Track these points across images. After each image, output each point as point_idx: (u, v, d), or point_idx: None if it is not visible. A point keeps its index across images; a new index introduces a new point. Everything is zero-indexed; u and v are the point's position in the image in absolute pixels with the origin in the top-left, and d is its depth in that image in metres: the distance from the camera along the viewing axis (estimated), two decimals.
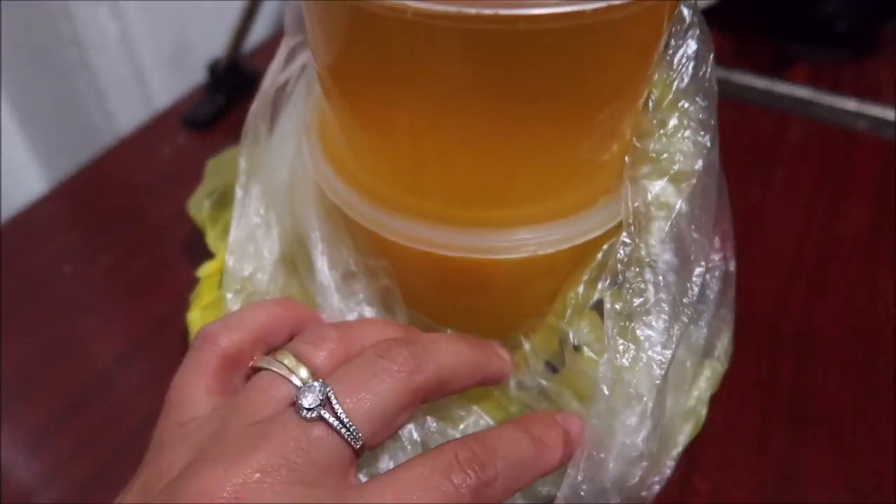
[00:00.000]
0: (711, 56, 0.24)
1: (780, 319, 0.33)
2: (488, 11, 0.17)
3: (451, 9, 0.17)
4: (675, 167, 0.24)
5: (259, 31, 0.48)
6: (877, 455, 0.28)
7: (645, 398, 0.24)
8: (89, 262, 0.35)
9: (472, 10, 0.17)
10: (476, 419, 0.26)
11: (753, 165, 0.42)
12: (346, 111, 0.24)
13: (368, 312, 0.27)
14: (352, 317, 0.26)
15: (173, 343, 0.31)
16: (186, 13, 0.51)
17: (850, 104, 0.47)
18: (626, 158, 0.25)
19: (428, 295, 0.27)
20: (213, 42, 0.54)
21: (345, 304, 0.26)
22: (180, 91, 0.52)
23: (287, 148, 0.29)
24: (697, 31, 0.23)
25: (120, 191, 0.39)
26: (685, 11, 0.22)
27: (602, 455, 0.23)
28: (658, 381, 0.24)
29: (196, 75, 0.53)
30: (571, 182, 0.24)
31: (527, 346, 0.27)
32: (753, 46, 0.54)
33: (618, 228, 0.26)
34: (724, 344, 0.28)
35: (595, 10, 0.17)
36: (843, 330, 0.33)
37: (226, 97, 0.44)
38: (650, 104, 0.24)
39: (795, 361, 0.31)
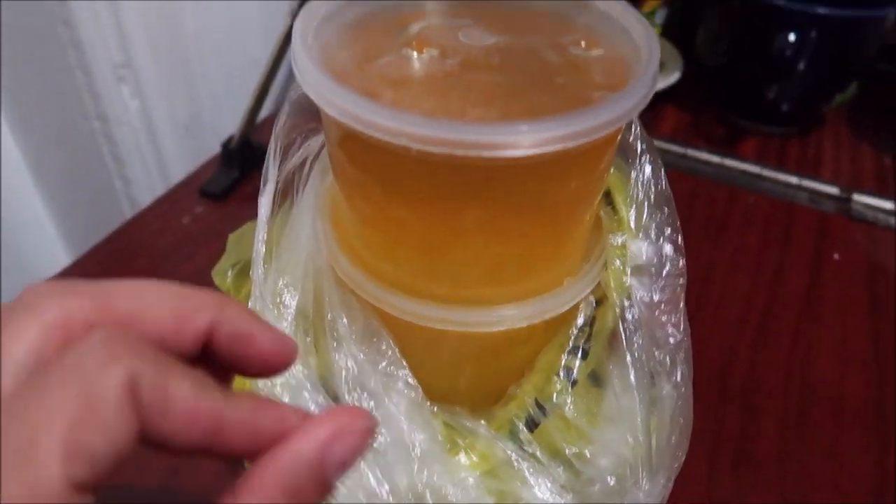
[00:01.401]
0: (663, 171, 0.29)
1: (728, 373, 0.38)
2: (473, 153, 0.21)
3: (441, 150, 0.22)
4: (640, 262, 0.30)
5: (267, 105, 0.53)
6: (812, 493, 0.33)
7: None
8: None
9: (461, 152, 0.21)
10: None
11: (707, 234, 0.48)
12: (356, 208, 0.29)
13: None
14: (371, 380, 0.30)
15: None
16: (199, 85, 0.56)
17: (792, 178, 0.53)
18: (602, 252, 0.30)
19: (424, 361, 0.31)
20: (221, 110, 0.59)
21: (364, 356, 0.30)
22: (191, 156, 0.56)
23: (306, 224, 0.33)
24: (648, 156, 0.28)
25: (143, 258, 0.44)
26: (638, 145, 0.28)
27: None
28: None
29: (206, 142, 0.58)
30: (543, 267, 0.29)
31: (511, 405, 0.31)
32: (708, 122, 0.60)
33: (585, 304, 0.31)
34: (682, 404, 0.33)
35: (554, 151, 0.22)
36: (783, 382, 0.38)
37: (239, 171, 0.49)
38: (629, 215, 0.30)
39: (741, 411, 0.36)
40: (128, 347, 0.15)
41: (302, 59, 0.23)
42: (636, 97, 0.23)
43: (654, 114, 0.60)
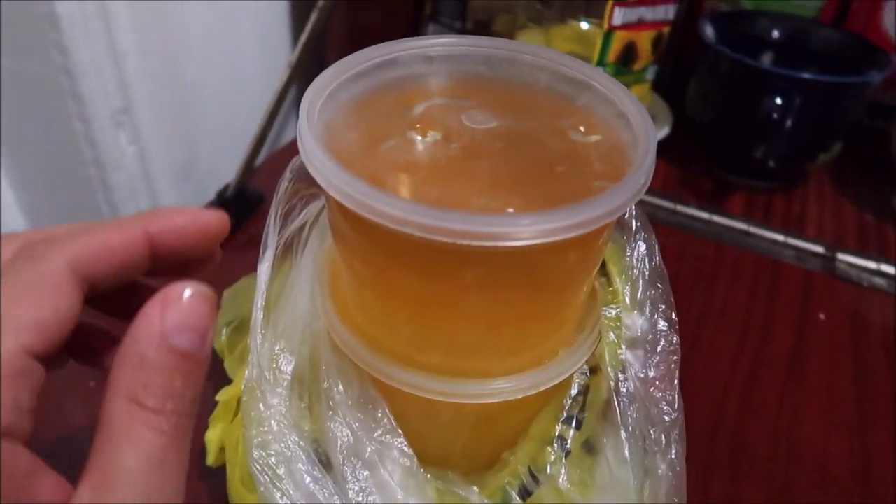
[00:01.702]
0: (657, 248, 0.30)
1: (714, 437, 0.39)
2: (476, 244, 0.22)
3: (447, 239, 0.22)
4: (634, 336, 0.30)
5: (263, 149, 0.53)
6: None
7: None
8: None
9: (464, 242, 0.22)
10: None
11: (695, 291, 0.49)
12: (354, 273, 0.29)
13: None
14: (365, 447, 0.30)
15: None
16: (196, 130, 0.57)
17: (779, 236, 0.55)
18: (597, 323, 0.30)
19: (419, 428, 0.32)
20: (219, 156, 0.59)
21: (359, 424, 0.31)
22: (186, 200, 0.57)
23: (304, 289, 0.34)
24: (643, 234, 0.29)
25: None
26: (632, 222, 0.28)
27: None
28: None
29: (201, 185, 0.58)
30: (538, 340, 0.29)
31: (504, 472, 0.32)
32: (697, 176, 0.61)
33: (578, 373, 0.31)
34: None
35: (551, 242, 0.23)
36: (769, 448, 0.38)
37: (234, 219, 0.49)
38: (623, 290, 0.30)
39: (728, 477, 0.37)
40: (72, 244, 0.19)
41: (308, 142, 0.24)
42: (634, 188, 0.23)
43: None
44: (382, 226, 0.22)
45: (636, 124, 0.27)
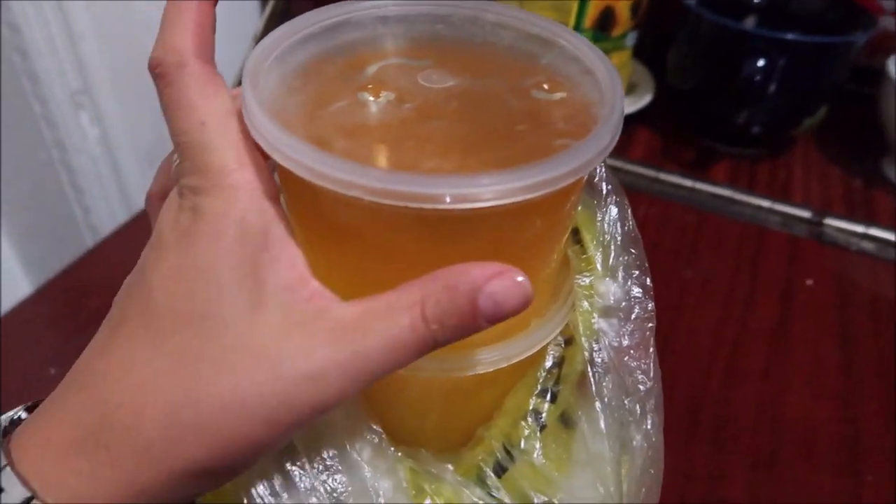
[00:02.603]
0: (629, 212, 0.29)
1: (698, 409, 0.38)
2: (429, 206, 0.20)
3: (401, 203, 0.21)
4: (608, 304, 0.29)
5: None
6: None
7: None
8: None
9: (415, 205, 0.21)
10: None
11: (676, 260, 0.48)
12: (309, 250, 0.28)
13: None
14: None
15: None
16: (160, 110, 0.55)
17: (764, 202, 0.53)
18: (570, 292, 0.29)
19: (389, 405, 0.30)
20: None
21: None
22: None
23: None
24: (614, 198, 0.28)
25: (103, 291, 0.42)
26: (603, 186, 0.27)
27: None
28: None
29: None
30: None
31: (478, 449, 0.31)
32: (679, 144, 0.60)
33: (553, 344, 0.30)
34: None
35: (518, 202, 0.22)
36: (753, 419, 0.37)
37: None
38: (595, 251, 0.29)
39: (711, 450, 0.36)
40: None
41: (251, 106, 0.22)
42: (600, 145, 0.22)
43: (626, 137, 0.60)
44: (330, 192, 0.21)
45: (603, 81, 0.25)
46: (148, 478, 0.18)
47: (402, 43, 0.28)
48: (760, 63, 0.51)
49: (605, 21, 0.54)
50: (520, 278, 0.20)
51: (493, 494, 0.30)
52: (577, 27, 0.53)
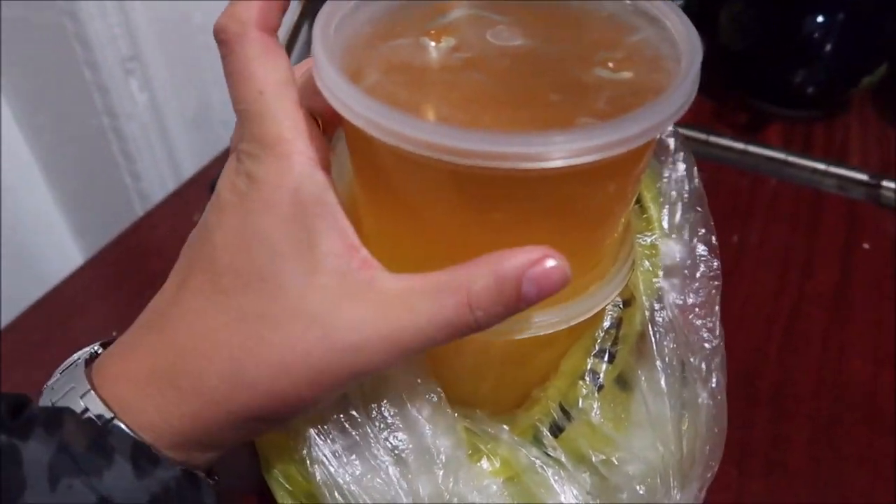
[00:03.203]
0: (695, 169, 0.28)
1: (757, 375, 0.37)
2: (508, 165, 0.20)
3: (477, 162, 0.20)
4: (671, 263, 0.28)
5: None
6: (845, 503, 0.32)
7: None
8: None
9: (507, 164, 0.20)
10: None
11: (730, 226, 0.47)
12: (376, 214, 0.28)
13: None
14: None
15: None
16: (206, 76, 0.55)
17: (819, 165, 0.52)
18: (630, 253, 0.29)
19: (446, 367, 0.30)
20: (230, 101, 0.58)
21: None
22: (201, 149, 0.55)
23: None
24: (683, 154, 0.27)
25: (155, 258, 0.43)
26: (670, 142, 0.26)
27: None
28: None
29: (215, 134, 0.57)
30: (575, 273, 0.28)
31: (535, 410, 0.31)
32: (731, 107, 0.58)
33: (611, 306, 0.30)
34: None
35: (590, 162, 0.21)
36: (814, 385, 0.37)
37: None
38: (661, 215, 0.28)
39: (770, 415, 0.35)
40: None
41: (322, 62, 0.22)
42: (676, 104, 0.21)
43: None
44: (404, 151, 0.21)
45: (681, 40, 0.24)
46: (209, 417, 0.21)
47: None
48: (819, 19, 0.49)
49: None
50: (558, 262, 0.20)
51: (550, 454, 0.30)
52: None
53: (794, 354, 0.38)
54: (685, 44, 0.24)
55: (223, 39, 0.22)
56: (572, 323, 0.28)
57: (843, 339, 0.39)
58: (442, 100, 0.23)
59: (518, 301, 0.20)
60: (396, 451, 0.28)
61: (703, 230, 0.28)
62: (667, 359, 0.29)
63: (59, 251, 0.55)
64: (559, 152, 0.20)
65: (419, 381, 0.29)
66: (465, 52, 0.24)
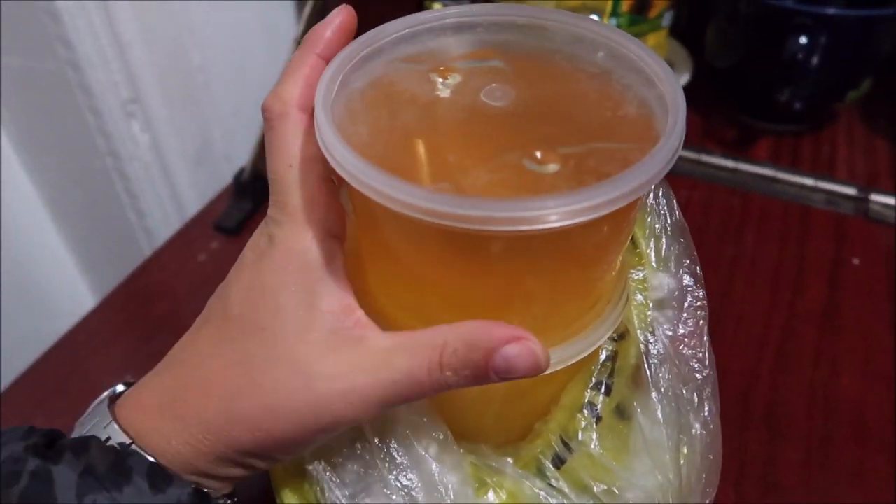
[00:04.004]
0: (675, 202, 0.29)
1: (750, 395, 0.38)
2: (505, 228, 0.21)
3: (474, 227, 0.21)
4: (661, 295, 0.30)
5: None
6: None
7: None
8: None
9: (496, 228, 0.21)
10: None
11: (721, 244, 0.48)
12: (376, 262, 0.29)
13: None
14: None
15: None
16: (208, 115, 0.56)
17: (808, 180, 0.53)
18: (624, 290, 0.30)
19: (450, 403, 0.31)
20: (232, 138, 0.59)
21: None
22: (204, 185, 0.57)
23: None
24: (661, 189, 0.28)
25: (163, 301, 0.44)
26: None
27: None
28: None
29: (218, 169, 0.58)
30: (566, 320, 0.29)
31: (537, 443, 0.32)
32: (720, 123, 0.60)
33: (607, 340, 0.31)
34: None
35: (587, 220, 0.22)
36: (806, 403, 0.38)
37: (252, 203, 0.49)
38: (648, 249, 0.30)
39: (764, 435, 0.36)
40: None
41: (325, 129, 0.23)
42: (668, 154, 0.22)
43: None
44: (403, 215, 0.22)
45: (668, 95, 0.25)
46: (207, 448, 0.23)
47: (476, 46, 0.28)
48: (803, 40, 0.50)
49: (642, 3, 0.53)
50: (536, 347, 0.22)
51: (553, 484, 0.31)
52: (615, 11, 0.53)
53: (786, 374, 0.39)
54: (671, 96, 0.25)
55: (267, 117, 0.24)
56: (571, 362, 0.29)
57: (833, 356, 0.40)
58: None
59: (486, 371, 0.22)
60: (406, 490, 0.29)
61: (688, 261, 0.29)
62: (662, 389, 0.30)
63: (69, 288, 0.56)
64: (555, 214, 0.21)
65: (425, 419, 0.30)
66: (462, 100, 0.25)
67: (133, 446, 0.23)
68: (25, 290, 0.52)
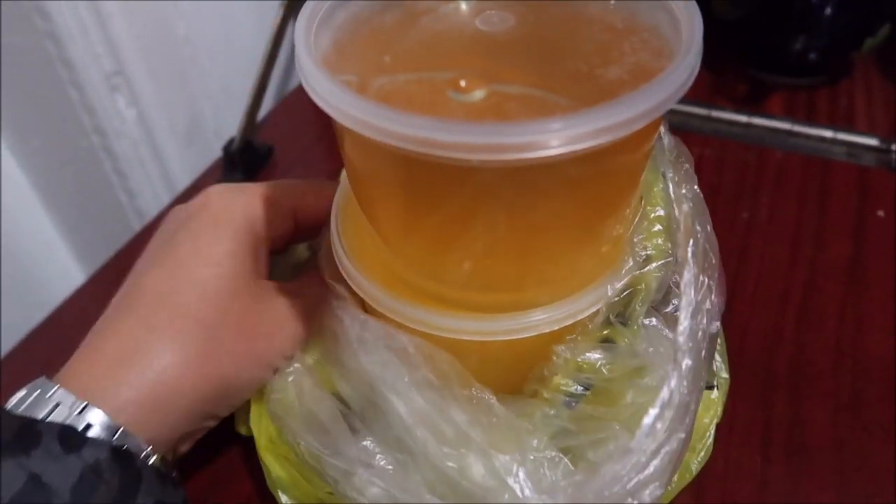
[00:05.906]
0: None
1: (773, 355, 0.36)
2: (509, 156, 0.19)
3: (495, 157, 0.19)
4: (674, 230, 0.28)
5: (266, 103, 0.51)
6: (873, 485, 0.31)
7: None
8: None
9: (504, 156, 0.19)
10: None
11: (738, 202, 0.45)
12: (372, 214, 0.27)
13: None
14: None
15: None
16: (196, 89, 0.54)
17: (827, 132, 0.50)
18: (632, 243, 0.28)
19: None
20: (221, 112, 0.57)
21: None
22: (195, 163, 0.55)
23: None
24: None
25: None
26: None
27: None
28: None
29: (209, 146, 0.56)
30: (575, 270, 0.27)
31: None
32: (730, 79, 0.57)
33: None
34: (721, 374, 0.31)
35: (597, 146, 0.20)
36: (832, 361, 0.36)
37: (243, 173, 0.47)
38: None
39: (789, 396, 0.34)
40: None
41: (304, 61, 0.21)
42: (676, 83, 0.21)
43: None
44: (392, 147, 0.20)
45: (682, 20, 0.23)
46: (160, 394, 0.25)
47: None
48: None
49: None
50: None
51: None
52: None
53: (810, 331, 0.37)
54: (687, 24, 0.23)
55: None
56: (579, 318, 0.27)
57: (860, 313, 0.38)
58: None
59: None
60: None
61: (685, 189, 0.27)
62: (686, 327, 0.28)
63: (61, 273, 0.55)
64: (557, 139, 0.19)
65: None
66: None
67: (89, 406, 0.24)
68: (16, 276, 0.51)
